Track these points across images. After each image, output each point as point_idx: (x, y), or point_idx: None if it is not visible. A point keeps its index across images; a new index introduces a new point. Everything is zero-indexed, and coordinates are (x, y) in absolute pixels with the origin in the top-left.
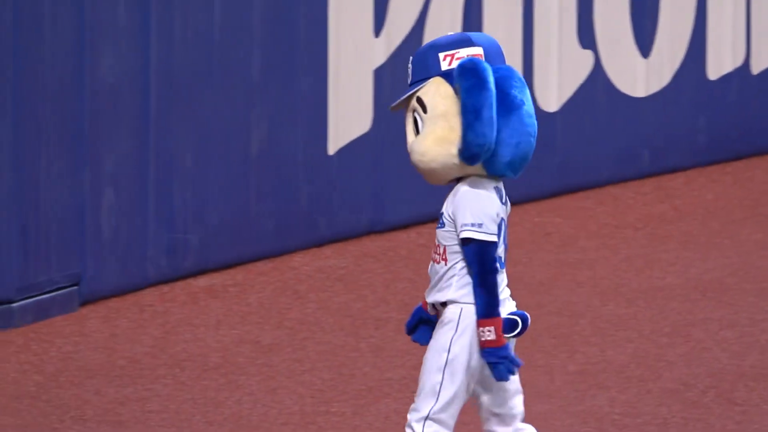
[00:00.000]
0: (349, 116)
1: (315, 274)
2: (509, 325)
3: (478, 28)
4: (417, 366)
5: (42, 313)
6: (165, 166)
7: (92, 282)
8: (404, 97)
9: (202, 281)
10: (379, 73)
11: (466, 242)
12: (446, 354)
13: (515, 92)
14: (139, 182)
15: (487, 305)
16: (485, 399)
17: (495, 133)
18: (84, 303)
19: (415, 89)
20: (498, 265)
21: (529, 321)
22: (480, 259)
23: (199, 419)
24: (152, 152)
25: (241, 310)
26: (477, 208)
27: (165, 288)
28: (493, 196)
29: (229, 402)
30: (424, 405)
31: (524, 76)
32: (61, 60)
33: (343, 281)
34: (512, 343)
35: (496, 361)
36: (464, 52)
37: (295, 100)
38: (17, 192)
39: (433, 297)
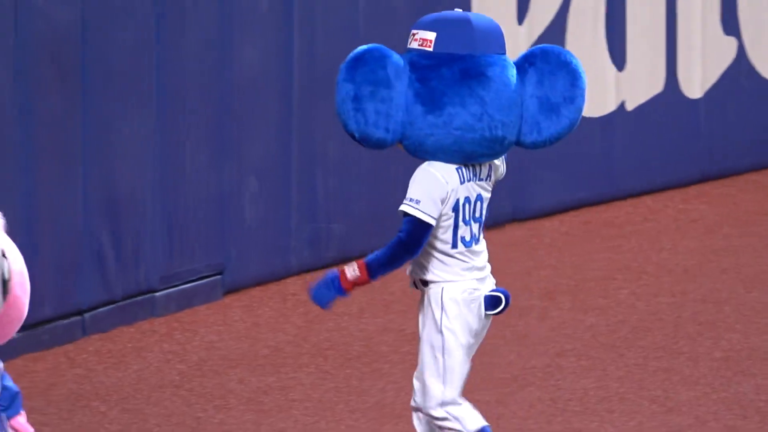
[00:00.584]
0: None
1: None
2: (491, 302)
3: (621, 15)
4: (561, 354)
5: (185, 302)
6: (308, 155)
7: (235, 271)
8: None
9: None
10: None
11: (404, 214)
12: (440, 336)
13: (436, 84)
14: (283, 172)
15: (380, 262)
16: None
17: (357, 123)
18: (227, 292)
19: None
20: (463, 244)
21: (510, 299)
22: (408, 232)
23: (342, 408)
24: (295, 141)
25: (384, 298)
26: (422, 187)
27: (308, 277)
28: (445, 178)
29: (372, 390)
30: (434, 393)
31: (667, 63)
32: (205, 50)
33: None
34: (487, 322)
35: (326, 281)
36: (420, 35)
37: None
38: (161, 182)
39: (414, 273)
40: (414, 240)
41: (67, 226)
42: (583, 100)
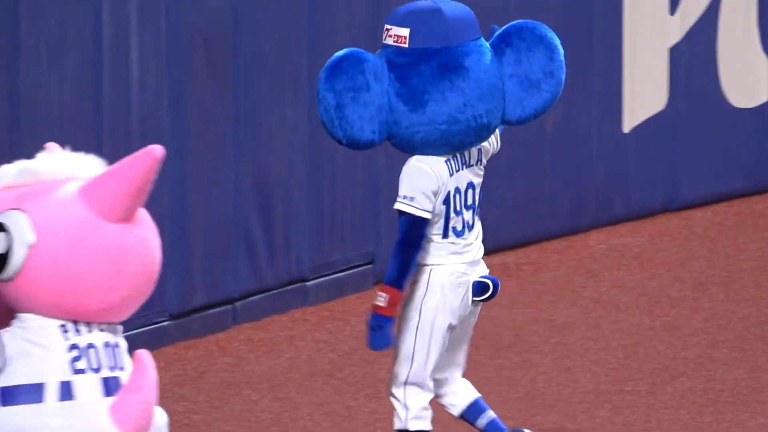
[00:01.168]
0: (644, 94)
1: (610, 252)
2: (479, 288)
3: None
4: (713, 345)
5: (336, 291)
6: None
7: (386, 260)
8: None
9: (496, 259)
10: (675, 51)
11: (399, 213)
12: (417, 317)
13: (417, 82)
14: None
15: (393, 274)
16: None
17: (343, 129)
18: (378, 281)
19: None
20: (454, 234)
21: (500, 286)
22: (405, 230)
23: (494, 397)
24: None
25: (535, 288)
26: (413, 183)
27: None
28: (434, 172)
29: (523, 381)
30: (401, 370)
31: None
32: (356, 36)
33: (638, 259)
34: (477, 308)
35: (373, 326)
36: (395, 32)
37: (589, 78)
38: (312, 170)
39: None
40: (414, 237)
41: (218, 215)
42: (562, 72)
